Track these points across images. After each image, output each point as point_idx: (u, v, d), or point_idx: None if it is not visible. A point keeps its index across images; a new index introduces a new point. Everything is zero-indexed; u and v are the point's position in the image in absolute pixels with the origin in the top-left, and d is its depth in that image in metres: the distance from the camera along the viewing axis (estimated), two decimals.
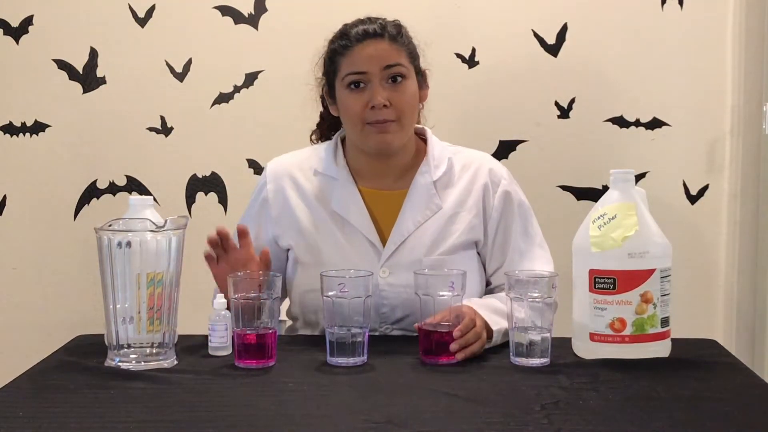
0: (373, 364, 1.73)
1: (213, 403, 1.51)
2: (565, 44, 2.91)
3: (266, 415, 1.46)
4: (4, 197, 3.02)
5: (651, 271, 1.73)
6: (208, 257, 1.94)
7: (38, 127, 2.99)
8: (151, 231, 1.68)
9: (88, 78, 2.97)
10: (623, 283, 1.73)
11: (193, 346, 1.83)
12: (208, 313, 1.81)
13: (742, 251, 2.92)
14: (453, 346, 1.73)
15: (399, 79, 2.00)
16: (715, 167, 2.93)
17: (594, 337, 1.75)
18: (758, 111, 2.85)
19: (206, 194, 2.99)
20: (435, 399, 1.53)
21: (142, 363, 1.69)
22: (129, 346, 1.70)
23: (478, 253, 2.07)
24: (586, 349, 1.77)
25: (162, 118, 2.97)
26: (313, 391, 1.58)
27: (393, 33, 2.01)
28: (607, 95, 2.92)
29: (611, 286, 1.73)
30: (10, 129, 2.99)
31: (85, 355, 1.79)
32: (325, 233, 2.04)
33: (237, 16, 2.94)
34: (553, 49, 2.92)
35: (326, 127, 2.19)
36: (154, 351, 1.71)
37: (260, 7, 2.93)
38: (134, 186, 2.98)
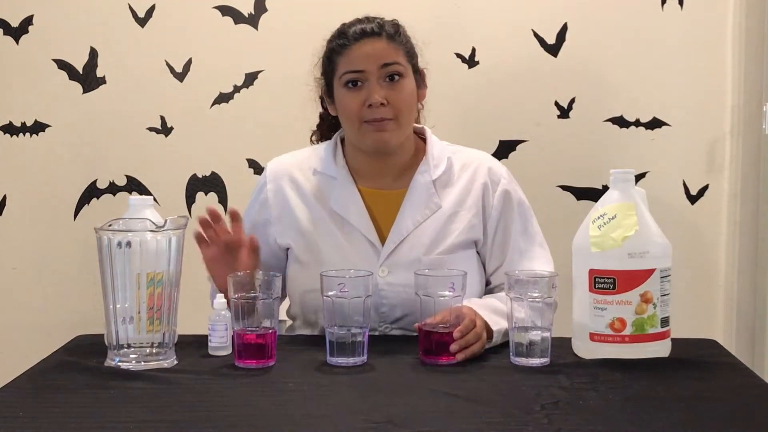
0: (373, 364, 1.73)
1: (213, 403, 1.51)
2: (565, 44, 2.91)
3: (266, 415, 1.46)
4: (4, 197, 3.02)
5: (651, 271, 1.73)
6: (198, 237, 1.93)
7: (38, 127, 2.99)
8: (151, 231, 1.68)
9: (88, 78, 2.97)
10: (623, 283, 1.73)
11: (193, 346, 1.83)
12: (208, 313, 1.81)
13: (742, 251, 2.92)
14: (453, 347, 1.73)
15: (396, 77, 2.00)
16: (715, 167, 2.93)
17: (594, 337, 1.75)
18: (758, 111, 2.85)
19: (206, 194, 2.99)
20: (435, 399, 1.53)
21: (142, 363, 1.69)
22: (129, 346, 1.70)
23: (478, 253, 2.07)
24: (586, 349, 1.77)
25: (162, 118, 2.97)
26: (313, 391, 1.58)
27: (390, 32, 2.02)
28: (607, 95, 2.92)
29: (611, 286, 1.73)
30: (10, 129, 2.99)
31: (85, 355, 1.79)
32: (325, 232, 2.04)
33: (237, 16, 2.94)
34: (553, 49, 2.92)
35: (326, 128, 2.19)
36: (154, 351, 1.71)
37: (260, 7, 2.93)
38: (134, 186, 2.98)
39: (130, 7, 2.94)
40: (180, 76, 2.96)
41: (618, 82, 2.92)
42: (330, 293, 1.72)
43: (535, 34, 2.91)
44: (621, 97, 2.92)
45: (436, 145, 2.11)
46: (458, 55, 2.92)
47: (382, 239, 2.03)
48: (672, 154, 2.92)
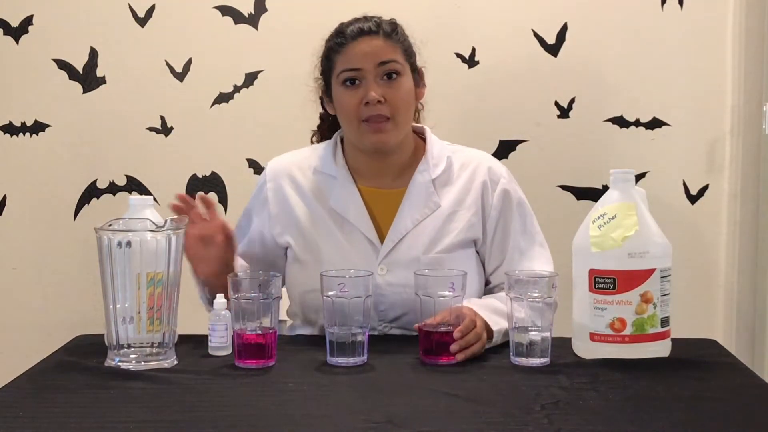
0: (373, 364, 1.73)
1: (213, 403, 1.51)
2: (565, 44, 2.91)
3: (266, 415, 1.46)
4: (4, 197, 3.02)
5: (651, 271, 1.73)
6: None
7: (38, 127, 2.99)
8: (151, 231, 1.68)
9: (88, 78, 2.97)
10: (623, 283, 1.73)
11: (193, 346, 1.83)
12: (208, 313, 1.81)
13: (742, 251, 2.92)
14: (453, 347, 1.73)
15: (394, 75, 2.00)
16: (715, 167, 2.93)
17: (594, 337, 1.75)
18: (758, 111, 2.85)
19: (206, 194, 2.98)
20: (435, 399, 1.53)
21: (142, 363, 1.69)
22: (129, 346, 1.70)
23: (477, 252, 2.08)
24: (586, 349, 1.77)
25: (162, 118, 2.97)
26: (313, 391, 1.58)
27: (388, 30, 2.02)
28: (607, 95, 2.92)
29: (611, 286, 1.73)
30: (10, 129, 2.99)
31: (85, 355, 1.79)
32: (324, 231, 2.04)
33: (237, 16, 2.94)
34: (553, 49, 2.92)
35: (326, 128, 2.19)
36: (154, 351, 1.71)
37: (260, 7, 2.93)
38: (134, 186, 2.98)
39: (130, 7, 2.94)
40: (180, 76, 2.96)
41: (618, 82, 2.92)
42: (330, 293, 1.72)
43: (535, 34, 2.91)
44: (621, 97, 2.92)
45: (435, 145, 2.11)
46: (458, 55, 2.92)
47: (382, 238, 2.03)
48: (672, 154, 2.92)
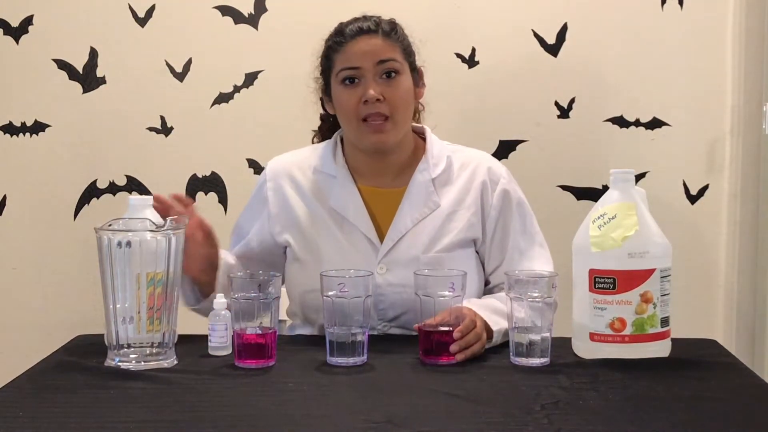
0: (373, 364, 1.73)
1: (213, 403, 1.51)
2: (565, 44, 2.91)
3: (266, 415, 1.46)
4: (4, 197, 3.02)
5: (651, 271, 1.73)
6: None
7: (38, 127, 2.99)
8: (151, 231, 1.68)
9: (88, 78, 2.97)
10: (623, 283, 1.73)
11: (193, 346, 1.83)
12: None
13: (742, 251, 2.92)
14: (453, 348, 1.73)
15: (393, 74, 2.01)
16: (715, 167, 2.93)
17: (594, 337, 1.75)
18: (758, 111, 2.85)
19: (206, 194, 2.99)
20: (435, 399, 1.53)
21: (142, 363, 1.69)
22: (129, 346, 1.70)
23: (477, 252, 2.08)
24: (586, 349, 1.77)
25: (162, 118, 2.97)
26: (313, 391, 1.57)
27: (387, 29, 2.03)
28: (607, 95, 2.92)
29: (611, 286, 1.73)
30: (10, 129, 2.99)
31: (85, 355, 1.79)
32: (324, 230, 2.04)
33: (237, 16, 2.94)
34: (553, 49, 2.92)
35: (327, 129, 2.19)
36: (154, 351, 1.71)
37: (260, 7, 2.93)
38: (134, 186, 2.98)
39: (130, 7, 2.94)
40: (180, 76, 2.96)
41: (618, 82, 2.92)
42: (330, 293, 1.72)
43: (535, 34, 2.91)
44: (621, 97, 2.92)
45: (435, 144, 2.11)
46: (458, 55, 2.92)
47: (381, 237, 2.03)
48: (672, 154, 2.92)
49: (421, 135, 2.14)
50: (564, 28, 2.91)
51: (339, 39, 2.03)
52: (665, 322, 1.76)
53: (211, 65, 2.95)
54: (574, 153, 2.93)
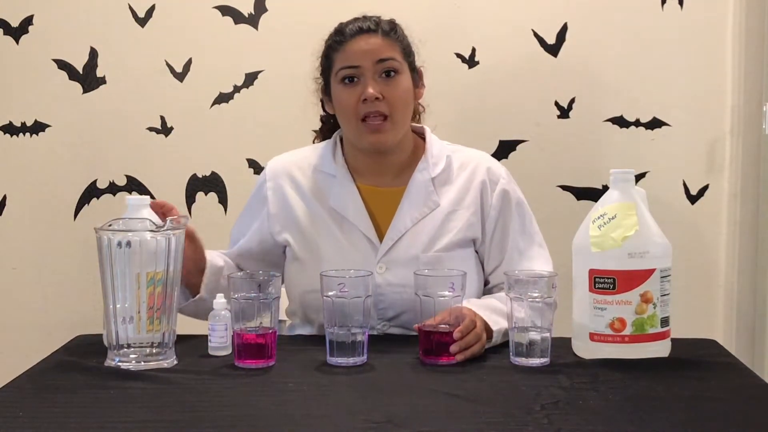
0: (373, 364, 1.73)
1: (213, 403, 1.51)
2: (565, 44, 2.91)
3: (266, 415, 1.46)
4: (4, 197, 3.02)
5: (651, 271, 1.73)
6: None
7: (38, 127, 2.99)
8: (151, 231, 1.68)
9: (88, 78, 2.97)
10: (623, 283, 1.73)
11: (193, 346, 1.83)
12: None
13: (742, 251, 2.92)
14: (453, 348, 1.73)
15: (392, 73, 2.01)
16: (715, 167, 2.93)
17: (594, 337, 1.75)
18: (758, 111, 2.86)
19: (206, 194, 2.99)
20: (435, 399, 1.53)
21: (142, 363, 1.69)
22: (129, 346, 1.70)
23: (476, 252, 2.08)
24: (586, 349, 1.77)
25: (162, 118, 2.97)
26: (313, 391, 1.57)
27: (386, 29, 2.03)
28: (607, 95, 2.92)
29: (611, 286, 1.73)
30: (10, 129, 2.99)
31: (85, 355, 1.79)
32: (323, 229, 2.05)
33: (237, 16, 2.94)
34: (553, 49, 2.92)
35: (327, 130, 2.19)
36: (154, 351, 1.71)
37: (260, 7, 2.93)
38: (134, 186, 2.98)
39: (130, 7, 2.94)
40: (180, 76, 2.96)
41: (618, 82, 2.92)
42: (330, 293, 1.72)
43: (535, 34, 2.91)
44: (621, 97, 2.92)
45: (435, 144, 2.11)
46: (458, 55, 2.92)
47: (381, 236, 2.03)
48: (672, 154, 2.92)
49: (420, 135, 2.14)
50: (564, 28, 2.91)
51: (339, 38, 2.03)
52: (665, 322, 1.76)
53: (211, 65, 2.95)
54: (574, 153, 2.93)
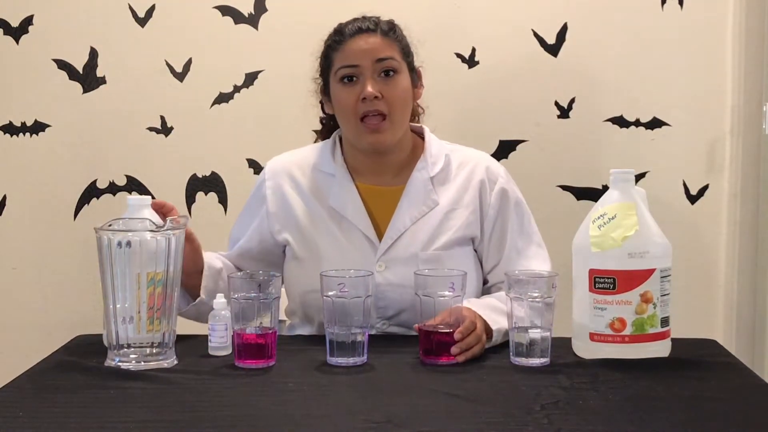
0: (373, 364, 1.73)
1: (213, 403, 1.51)
2: (565, 44, 2.91)
3: (266, 415, 1.46)
4: (4, 197, 3.02)
5: (651, 271, 1.73)
6: None
7: (38, 127, 2.99)
8: (151, 231, 1.68)
9: (88, 78, 2.97)
10: (623, 283, 1.73)
11: (193, 346, 1.83)
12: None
13: (742, 251, 2.92)
14: (454, 349, 1.73)
15: (391, 73, 2.01)
16: (715, 167, 2.93)
17: (594, 337, 1.75)
18: (758, 111, 2.86)
19: (206, 194, 2.99)
20: (435, 399, 1.53)
21: (142, 363, 1.69)
22: (129, 346, 1.70)
23: (475, 251, 2.08)
24: (586, 349, 1.77)
25: (162, 118, 2.97)
26: (313, 391, 1.57)
27: (385, 29, 2.04)
28: (607, 95, 2.92)
29: (611, 286, 1.73)
30: (10, 129, 2.99)
31: (85, 355, 1.79)
32: (323, 229, 2.05)
33: (237, 16, 2.94)
34: (553, 49, 2.92)
35: (327, 131, 2.19)
36: (154, 351, 1.71)
37: (260, 7, 2.93)
38: (134, 186, 2.98)
39: (130, 7, 2.94)
40: (180, 76, 2.96)
41: (618, 82, 2.92)
42: (330, 293, 1.72)
43: (535, 34, 2.91)
44: (621, 97, 2.92)
45: (434, 143, 2.11)
46: (458, 55, 2.92)
47: (380, 235, 2.03)
48: (672, 154, 2.92)
49: (419, 134, 2.15)
50: (564, 28, 2.91)
51: (338, 38, 2.04)
52: (665, 322, 1.76)
53: (211, 65, 2.95)
54: (574, 153, 2.93)
